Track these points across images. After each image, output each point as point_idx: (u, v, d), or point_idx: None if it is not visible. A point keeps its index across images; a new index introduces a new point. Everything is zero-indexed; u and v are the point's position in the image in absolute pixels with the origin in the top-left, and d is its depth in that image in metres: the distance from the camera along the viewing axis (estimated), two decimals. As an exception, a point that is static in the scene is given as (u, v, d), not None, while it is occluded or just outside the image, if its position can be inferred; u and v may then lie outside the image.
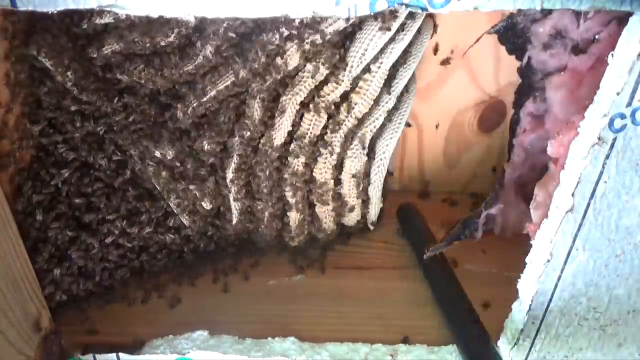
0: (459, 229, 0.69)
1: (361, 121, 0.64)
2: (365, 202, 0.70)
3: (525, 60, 0.60)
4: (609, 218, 0.48)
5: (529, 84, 0.61)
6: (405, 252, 0.74)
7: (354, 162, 0.65)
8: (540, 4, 0.40)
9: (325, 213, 0.69)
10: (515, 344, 0.57)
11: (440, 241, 0.72)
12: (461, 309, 0.61)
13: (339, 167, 0.67)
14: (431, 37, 0.65)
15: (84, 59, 0.57)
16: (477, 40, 0.62)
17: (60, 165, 0.61)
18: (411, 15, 0.58)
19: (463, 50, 0.69)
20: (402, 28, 0.59)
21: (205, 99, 0.60)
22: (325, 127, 0.63)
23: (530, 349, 0.57)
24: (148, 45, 0.56)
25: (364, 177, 0.67)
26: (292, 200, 0.67)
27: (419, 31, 0.61)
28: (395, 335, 0.62)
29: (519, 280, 0.55)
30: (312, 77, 0.60)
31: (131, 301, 0.66)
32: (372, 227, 0.73)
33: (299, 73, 0.60)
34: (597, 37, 0.50)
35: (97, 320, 0.64)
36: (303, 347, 0.60)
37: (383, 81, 0.62)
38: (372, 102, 0.62)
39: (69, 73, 0.56)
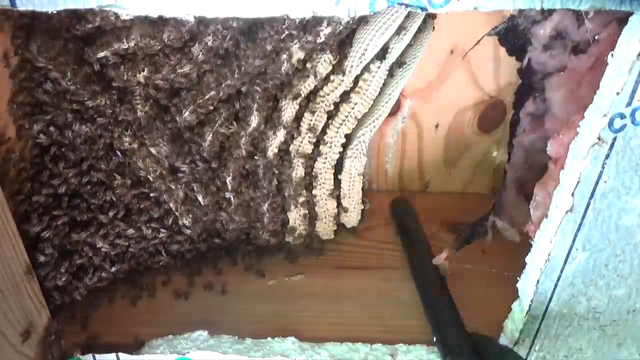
0: (468, 233, 0.69)
1: (361, 121, 0.64)
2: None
3: (525, 61, 0.60)
4: (609, 218, 0.48)
5: (529, 85, 0.61)
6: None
7: (354, 162, 0.65)
8: (540, 4, 0.40)
9: (325, 213, 0.69)
10: (515, 344, 0.57)
11: (451, 246, 0.72)
12: (445, 312, 0.61)
13: (339, 167, 0.67)
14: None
15: (83, 59, 0.57)
16: (478, 42, 0.62)
17: (60, 166, 0.61)
18: (411, 15, 0.58)
19: (463, 51, 0.69)
20: (401, 28, 0.59)
21: (204, 99, 0.60)
22: (325, 127, 0.63)
23: (530, 349, 0.57)
24: (147, 45, 0.56)
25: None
26: (291, 200, 0.67)
27: (419, 31, 0.61)
28: (395, 335, 0.62)
29: (519, 280, 0.55)
30: (311, 77, 0.60)
31: (131, 301, 0.66)
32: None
33: (299, 73, 0.60)
34: (597, 37, 0.50)
35: (97, 320, 0.64)
36: (303, 347, 0.60)
37: (383, 81, 0.62)
38: (372, 102, 0.62)
39: (68, 73, 0.56)
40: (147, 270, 0.69)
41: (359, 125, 0.64)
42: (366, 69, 0.61)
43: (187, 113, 0.61)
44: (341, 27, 0.56)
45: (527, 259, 0.53)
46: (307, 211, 0.69)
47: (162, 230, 0.67)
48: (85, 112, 0.60)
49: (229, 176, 0.65)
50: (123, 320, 0.64)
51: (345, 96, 0.62)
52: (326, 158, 0.65)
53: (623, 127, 0.44)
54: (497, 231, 0.67)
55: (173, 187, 0.64)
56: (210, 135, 0.62)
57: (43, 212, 0.60)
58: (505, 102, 0.73)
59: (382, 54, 0.60)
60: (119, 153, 0.63)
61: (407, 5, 0.41)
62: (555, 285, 0.53)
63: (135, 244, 0.67)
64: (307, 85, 0.60)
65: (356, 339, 0.61)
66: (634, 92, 0.42)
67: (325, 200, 0.68)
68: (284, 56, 0.58)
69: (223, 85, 0.59)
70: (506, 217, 0.65)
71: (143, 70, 0.58)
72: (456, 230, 0.74)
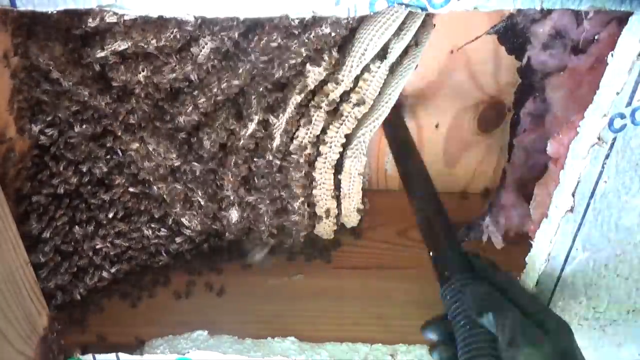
0: (464, 232, 0.69)
1: (361, 121, 0.64)
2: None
3: (525, 60, 0.60)
4: (609, 218, 0.48)
5: (529, 84, 0.61)
6: (405, 252, 0.74)
7: (354, 162, 0.65)
8: (540, 4, 0.40)
9: (325, 213, 0.69)
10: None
11: None
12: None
13: (339, 167, 0.67)
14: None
15: (83, 59, 0.57)
16: (476, 39, 0.63)
17: (60, 165, 0.61)
18: (411, 15, 0.58)
19: (463, 51, 0.69)
20: (401, 28, 0.59)
21: (204, 99, 0.60)
22: (325, 127, 0.63)
23: (530, 349, 0.57)
24: (147, 45, 0.56)
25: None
26: (291, 200, 0.67)
27: (419, 31, 0.61)
28: (395, 335, 0.62)
29: (518, 280, 0.55)
30: (311, 77, 0.60)
31: (131, 301, 0.66)
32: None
33: (299, 73, 0.60)
34: (596, 37, 0.50)
35: (97, 320, 0.64)
36: (303, 347, 0.60)
37: (383, 81, 0.62)
38: (372, 102, 0.62)
39: (68, 73, 0.56)
40: (147, 270, 0.69)
41: (359, 125, 0.64)
42: (366, 69, 0.61)
43: (187, 113, 0.61)
44: (341, 27, 0.56)
45: (527, 259, 0.53)
46: (307, 211, 0.69)
47: (162, 230, 0.67)
48: (85, 112, 0.60)
49: (228, 176, 0.65)
50: (123, 320, 0.64)
51: (345, 96, 0.62)
52: (326, 158, 0.65)
53: (623, 127, 0.44)
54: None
55: (173, 187, 0.64)
56: (210, 135, 0.62)
57: (43, 212, 0.60)
58: (505, 102, 0.73)
59: (382, 54, 0.60)
60: (119, 153, 0.63)
61: (407, 5, 0.41)
62: (555, 285, 0.53)
63: (135, 244, 0.67)
64: (307, 85, 0.60)
65: (356, 339, 0.61)
66: (634, 92, 0.42)
67: (325, 200, 0.68)
68: (284, 56, 0.58)
69: (223, 85, 0.59)
70: (503, 217, 0.65)
71: (143, 70, 0.58)
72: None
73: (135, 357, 0.60)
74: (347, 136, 0.64)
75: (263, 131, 0.63)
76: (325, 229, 0.71)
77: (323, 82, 0.61)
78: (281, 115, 0.61)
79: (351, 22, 0.57)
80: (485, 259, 0.54)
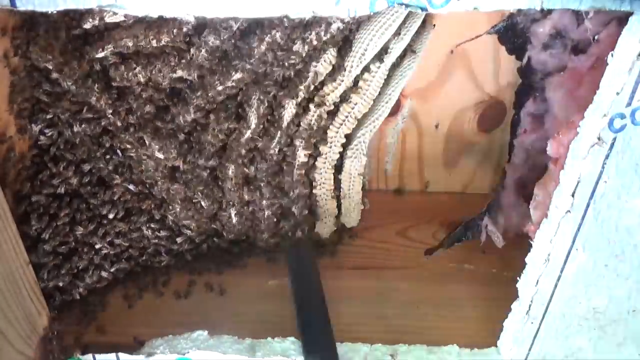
0: (461, 231, 0.69)
1: (361, 121, 0.64)
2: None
3: (525, 60, 0.60)
4: (609, 218, 0.48)
5: (529, 84, 0.61)
6: (405, 252, 0.74)
7: (354, 162, 0.65)
8: (540, 4, 0.40)
9: (325, 213, 0.69)
10: (515, 344, 0.57)
11: (442, 243, 0.72)
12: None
13: (339, 167, 0.67)
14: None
15: (83, 59, 0.57)
16: (476, 37, 0.62)
17: (60, 166, 0.61)
18: (411, 16, 0.58)
19: (463, 51, 0.69)
20: (401, 28, 0.59)
21: (204, 99, 0.60)
22: (325, 127, 0.63)
23: (530, 349, 0.57)
24: (147, 45, 0.56)
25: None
26: (291, 200, 0.67)
27: (418, 31, 0.61)
28: (395, 335, 0.62)
29: (518, 280, 0.55)
30: (312, 77, 0.60)
31: (131, 301, 0.66)
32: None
33: (299, 73, 0.60)
34: (596, 37, 0.50)
35: (97, 320, 0.64)
36: (303, 347, 0.60)
37: (383, 81, 0.62)
38: (372, 102, 0.62)
39: (68, 73, 0.56)
40: (147, 270, 0.69)
41: (359, 125, 0.64)
42: (366, 69, 0.61)
43: (187, 113, 0.61)
44: (341, 27, 0.56)
45: (527, 259, 0.53)
46: (307, 211, 0.69)
47: (162, 229, 0.67)
48: (85, 112, 0.60)
49: (229, 176, 0.65)
50: (123, 320, 0.64)
51: (345, 96, 0.62)
52: (326, 158, 0.65)
53: (623, 127, 0.43)
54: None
55: (173, 187, 0.64)
56: (210, 135, 0.62)
57: (43, 212, 0.60)
58: (505, 102, 0.73)
59: (382, 54, 0.60)
60: (119, 153, 0.63)
61: (407, 5, 0.41)
62: (555, 286, 0.53)
63: (135, 244, 0.67)
64: (307, 85, 0.60)
65: (356, 339, 0.61)
66: (634, 92, 0.42)
67: (325, 200, 0.68)
68: (284, 56, 0.58)
69: (223, 85, 0.59)
70: (502, 217, 0.65)
71: (143, 70, 0.58)
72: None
73: (135, 357, 0.60)
74: (347, 136, 0.64)
75: (263, 131, 0.63)
76: (325, 229, 0.71)
77: (323, 82, 0.61)
78: (281, 115, 0.61)
79: (351, 22, 0.57)
80: None
